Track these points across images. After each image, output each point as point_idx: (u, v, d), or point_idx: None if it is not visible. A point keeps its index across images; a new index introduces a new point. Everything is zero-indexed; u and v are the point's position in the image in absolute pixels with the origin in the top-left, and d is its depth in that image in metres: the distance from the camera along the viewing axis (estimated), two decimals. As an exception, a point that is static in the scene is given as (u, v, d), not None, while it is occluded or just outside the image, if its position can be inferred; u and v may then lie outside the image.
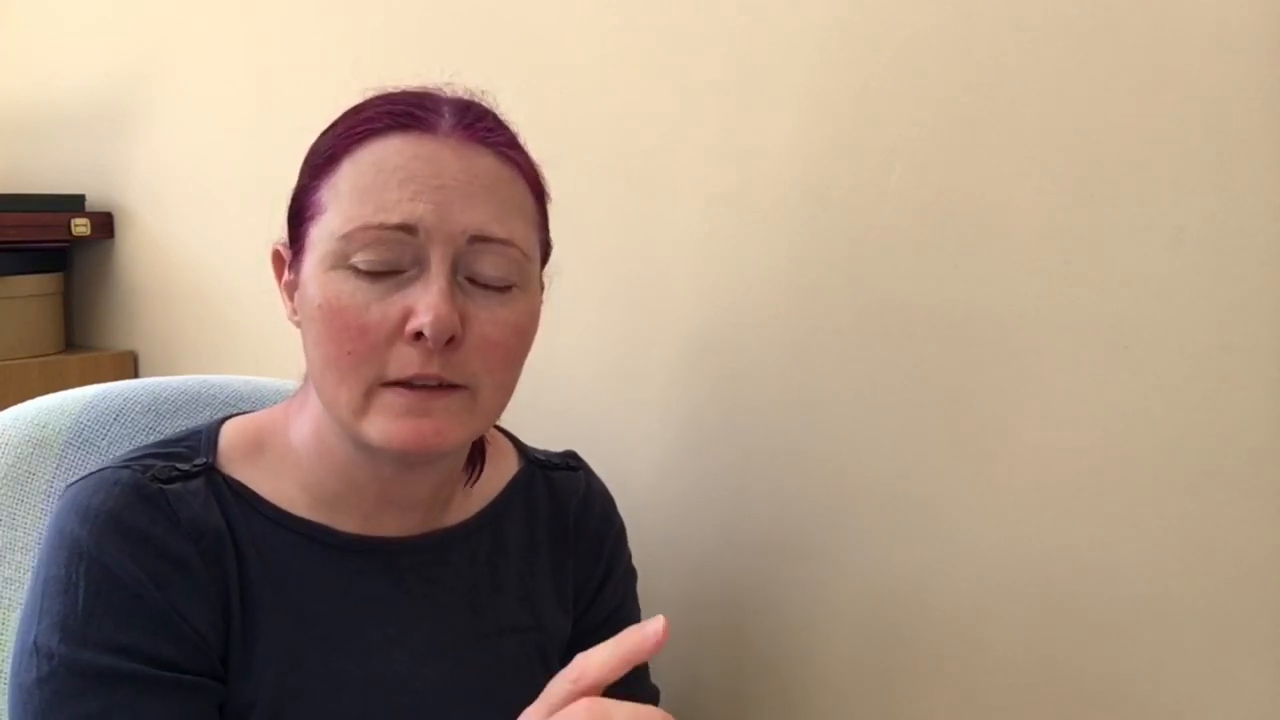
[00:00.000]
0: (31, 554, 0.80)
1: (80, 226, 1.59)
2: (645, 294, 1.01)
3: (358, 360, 0.64)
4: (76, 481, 0.68)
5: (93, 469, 0.69)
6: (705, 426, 0.98)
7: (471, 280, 0.66)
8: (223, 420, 0.75)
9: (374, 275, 0.64)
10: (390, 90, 0.70)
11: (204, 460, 0.70)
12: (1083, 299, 0.76)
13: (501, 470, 0.80)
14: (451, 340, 0.64)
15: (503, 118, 0.71)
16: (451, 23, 1.16)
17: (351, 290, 0.64)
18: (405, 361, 0.64)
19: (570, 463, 0.85)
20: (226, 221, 1.47)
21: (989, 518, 0.81)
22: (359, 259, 0.64)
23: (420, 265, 0.64)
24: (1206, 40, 0.70)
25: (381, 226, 0.64)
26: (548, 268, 0.74)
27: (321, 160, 0.67)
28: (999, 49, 0.78)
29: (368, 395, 0.65)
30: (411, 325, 0.63)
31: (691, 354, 0.98)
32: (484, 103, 0.71)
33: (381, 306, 0.64)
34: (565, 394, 1.04)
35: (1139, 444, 0.74)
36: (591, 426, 1.04)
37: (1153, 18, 0.72)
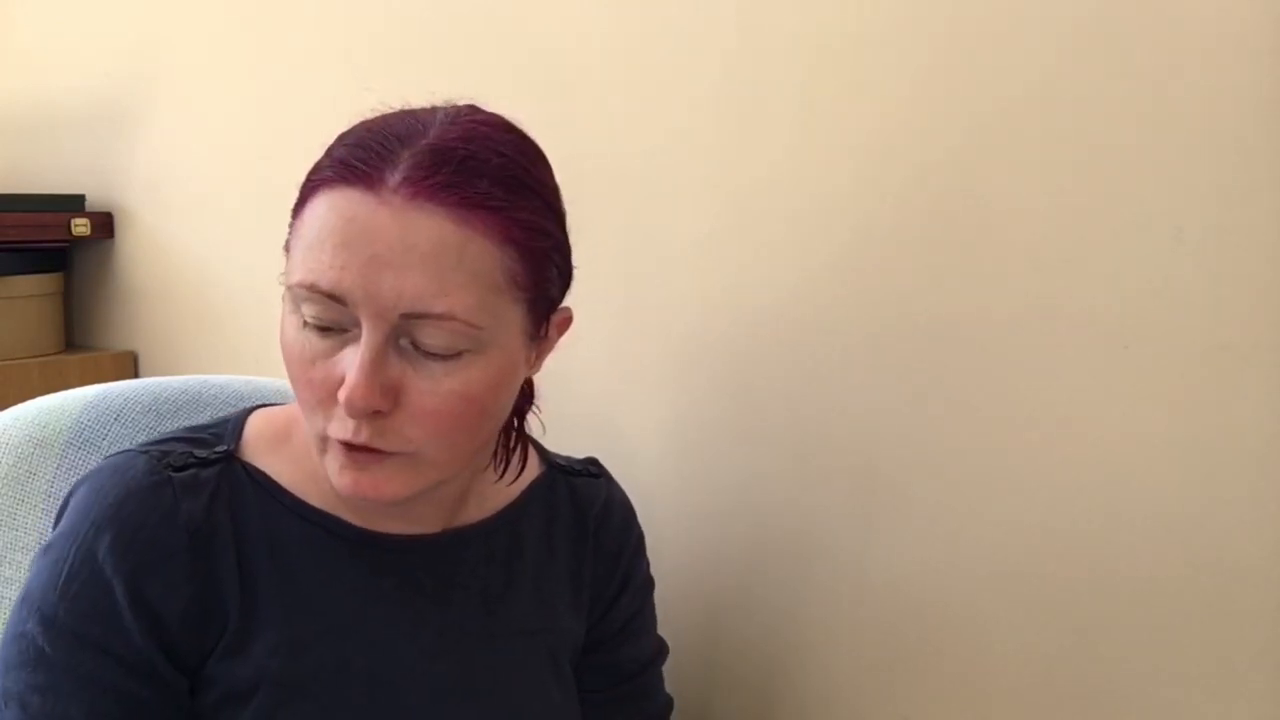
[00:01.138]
0: (33, 555, 0.80)
1: (80, 226, 1.59)
2: (649, 295, 1.01)
3: (309, 408, 0.66)
4: (111, 456, 0.70)
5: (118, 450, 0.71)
6: (709, 429, 0.98)
7: (415, 346, 0.63)
8: (253, 409, 0.76)
9: (321, 331, 0.64)
10: (372, 117, 0.67)
11: (225, 448, 0.71)
12: (1083, 299, 0.76)
13: (522, 473, 0.80)
14: (378, 412, 0.63)
15: (489, 158, 0.64)
16: (453, 24, 1.16)
17: (303, 341, 0.65)
18: (339, 424, 0.64)
19: (591, 470, 0.85)
20: (226, 221, 1.47)
21: (993, 516, 0.81)
22: (305, 312, 0.64)
23: (359, 327, 0.63)
24: (1206, 40, 0.70)
25: (313, 289, 0.63)
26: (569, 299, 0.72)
27: (298, 197, 0.67)
28: (999, 50, 0.78)
29: (322, 439, 0.66)
30: (339, 394, 0.63)
31: (696, 355, 0.98)
32: (473, 132, 0.65)
33: (325, 365, 0.64)
34: (570, 395, 1.03)
35: (1139, 443, 0.74)
36: (596, 428, 1.04)
37: (1153, 18, 0.72)
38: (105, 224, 1.64)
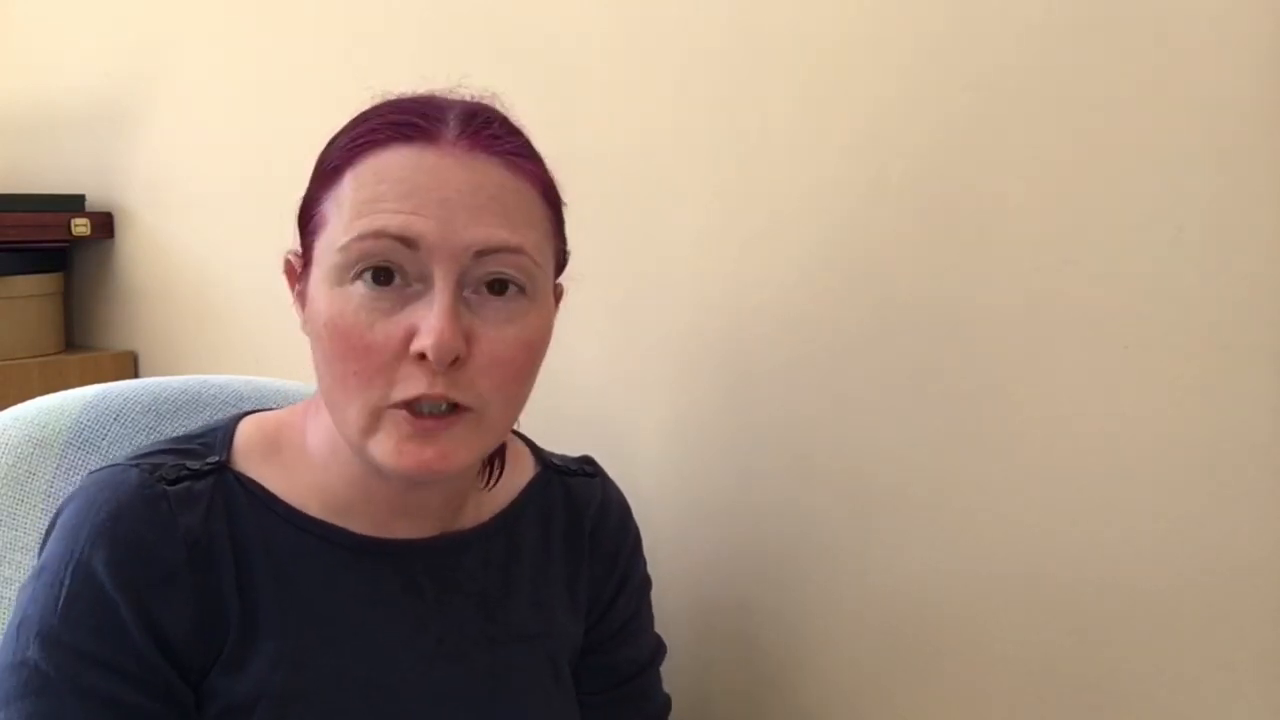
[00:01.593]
0: (32, 554, 0.80)
1: (80, 226, 1.60)
2: (648, 294, 1.01)
3: (364, 381, 0.64)
4: (96, 471, 0.69)
5: (105, 464, 0.70)
6: (709, 427, 0.98)
7: (478, 293, 0.65)
8: (241, 417, 0.75)
9: (378, 291, 0.63)
10: (395, 97, 0.69)
11: (217, 458, 0.70)
12: (1083, 299, 0.76)
13: (517, 474, 0.80)
14: (456, 360, 0.63)
15: (514, 121, 0.69)
16: (452, 25, 1.16)
17: (355, 308, 0.64)
18: (411, 382, 0.63)
19: (587, 469, 0.84)
20: (226, 221, 1.47)
21: (992, 517, 0.81)
22: (361, 272, 0.63)
23: (425, 281, 0.63)
24: (1206, 40, 0.70)
25: (379, 235, 0.62)
26: (565, 276, 0.74)
27: (325, 171, 0.67)
28: (999, 49, 0.78)
29: (375, 416, 0.64)
30: (415, 346, 0.62)
31: (694, 354, 0.98)
32: (494, 105, 0.70)
33: (386, 325, 0.63)
34: (568, 394, 1.04)
35: (1139, 444, 0.74)
36: (595, 428, 1.04)
37: (1153, 18, 0.72)
38: (105, 224, 1.64)
